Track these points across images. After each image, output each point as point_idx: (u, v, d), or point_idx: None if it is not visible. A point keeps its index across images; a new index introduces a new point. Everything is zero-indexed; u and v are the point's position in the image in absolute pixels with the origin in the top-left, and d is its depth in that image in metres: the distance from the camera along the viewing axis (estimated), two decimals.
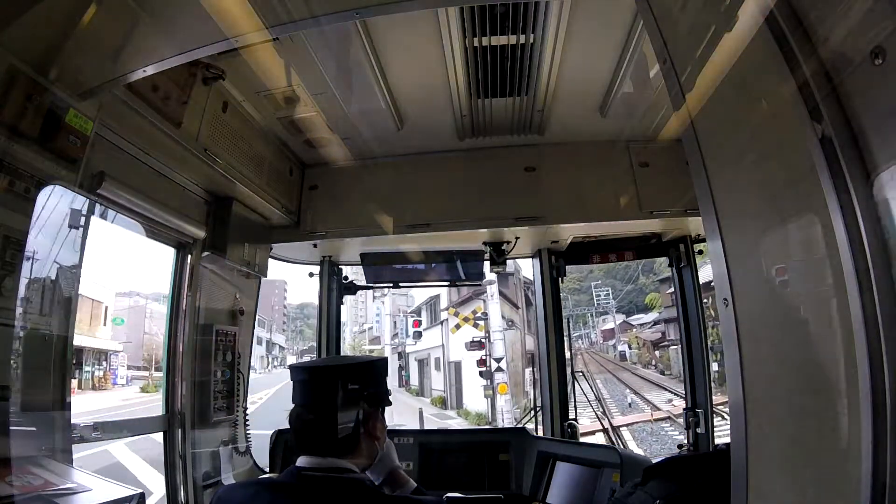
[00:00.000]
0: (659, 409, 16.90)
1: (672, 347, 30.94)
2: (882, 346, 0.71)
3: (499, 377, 14.65)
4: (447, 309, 19.92)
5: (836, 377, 0.80)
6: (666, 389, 22.37)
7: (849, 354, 0.74)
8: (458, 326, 17.05)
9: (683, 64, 1.08)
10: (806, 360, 0.87)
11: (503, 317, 16.93)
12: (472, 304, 17.89)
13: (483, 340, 15.24)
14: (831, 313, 0.81)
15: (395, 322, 24.60)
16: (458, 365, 20.94)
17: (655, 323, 40.49)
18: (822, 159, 0.78)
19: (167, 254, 2.46)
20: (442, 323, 21.66)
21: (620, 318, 45.13)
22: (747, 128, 0.98)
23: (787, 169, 0.89)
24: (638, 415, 17.07)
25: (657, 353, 37.22)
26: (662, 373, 32.42)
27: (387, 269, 3.49)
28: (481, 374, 15.13)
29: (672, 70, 1.10)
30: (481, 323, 15.93)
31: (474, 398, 18.22)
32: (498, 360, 14.71)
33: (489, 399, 14.92)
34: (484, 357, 15.00)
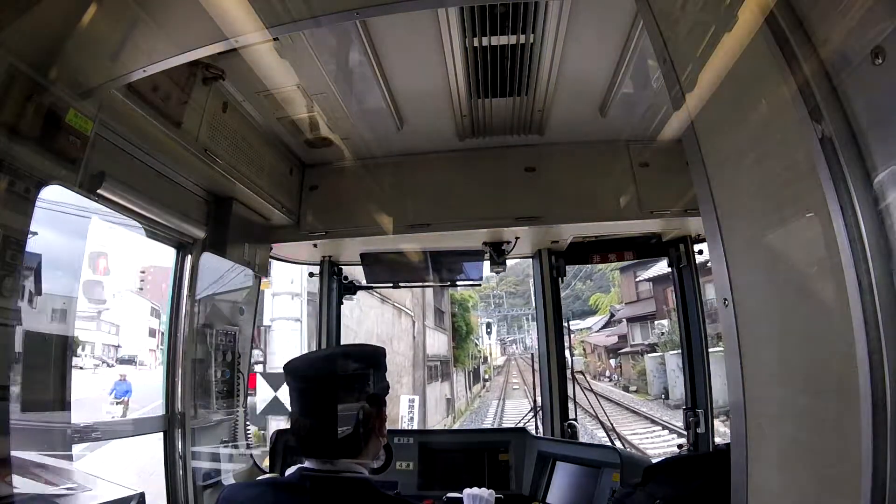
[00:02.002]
0: None
1: (650, 355, 21.94)
2: (882, 346, 0.71)
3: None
4: None
5: (836, 377, 0.80)
6: (650, 419, 14.52)
7: (849, 354, 0.74)
8: None
9: (683, 64, 1.09)
10: (806, 360, 0.87)
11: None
12: None
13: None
14: (831, 313, 0.81)
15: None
16: None
17: (606, 325, 34.71)
18: (822, 159, 0.78)
19: None
20: None
21: None
22: (747, 128, 0.98)
23: (787, 169, 0.89)
24: None
25: (613, 361, 30.01)
26: (627, 389, 24.12)
27: (387, 269, 3.49)
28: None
29: (672, 70, 1.10)
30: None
31: None
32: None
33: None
34: (257, 369, 6.32)
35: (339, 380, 1.30)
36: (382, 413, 1.36)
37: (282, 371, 1.40)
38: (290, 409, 1.36)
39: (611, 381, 29.03)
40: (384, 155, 3.00)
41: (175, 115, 2.01)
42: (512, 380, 34.62)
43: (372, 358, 1.40)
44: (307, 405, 1.31)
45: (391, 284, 3.72)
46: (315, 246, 3.18)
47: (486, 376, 36.36)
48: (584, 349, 35.08)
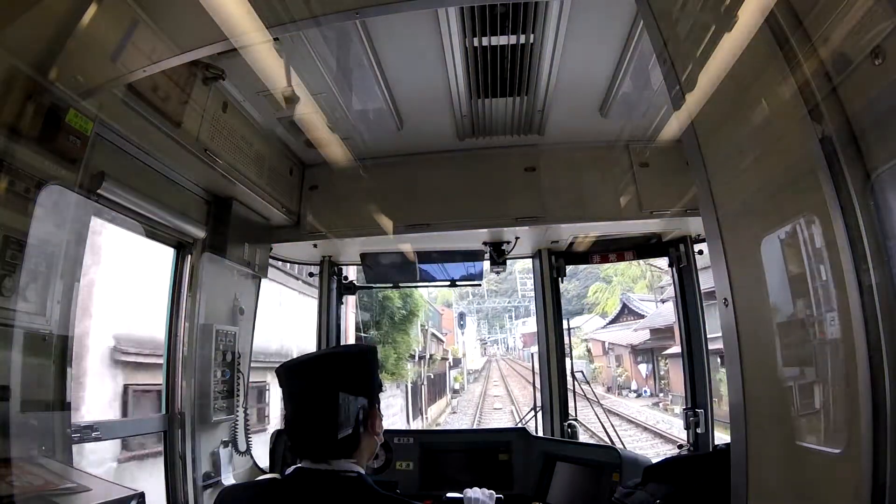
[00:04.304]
0: None
1: None
2: (882, 346, 0.71)
3: None
4: None
5: (836, 377, 0.80)
6: None
7: (849, 354, 0.74)
8: None
9: (683, 64, 1.09)
10: (806, 360, 0.87)
11: None
12: None
13: None
14: (831, 313, 0.81)
15: None
16: None
17: (614, 320, 26.08)
18: (822, 159, 0.78)
19: None
20: None
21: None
22: (747, 128, 0.98)
23: (787, 169, 0.89)
24: None
25: (644, 367, 20.26)
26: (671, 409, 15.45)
27: (386, 269, 3.49)
28: None
29: (672, 70, 1.11)
30: None
31: None
32: None
33: None
34: None
35: (331, 380, 1.29)
36: (376, 412, 1.36)
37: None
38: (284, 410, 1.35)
39: (640, 396, 19.52)
40: (384, 155, 3.00)
41: (175, 115, 2.00)
42: (492, 390, 26.36)
43: (363, 357, 1.40)
44: (301, 407, 1.31)
45: (391, 284, 3.72)
46: (315, 246, 3.18)
47: (457, 385, 27.22)
48: (588, 349, 26.25)
